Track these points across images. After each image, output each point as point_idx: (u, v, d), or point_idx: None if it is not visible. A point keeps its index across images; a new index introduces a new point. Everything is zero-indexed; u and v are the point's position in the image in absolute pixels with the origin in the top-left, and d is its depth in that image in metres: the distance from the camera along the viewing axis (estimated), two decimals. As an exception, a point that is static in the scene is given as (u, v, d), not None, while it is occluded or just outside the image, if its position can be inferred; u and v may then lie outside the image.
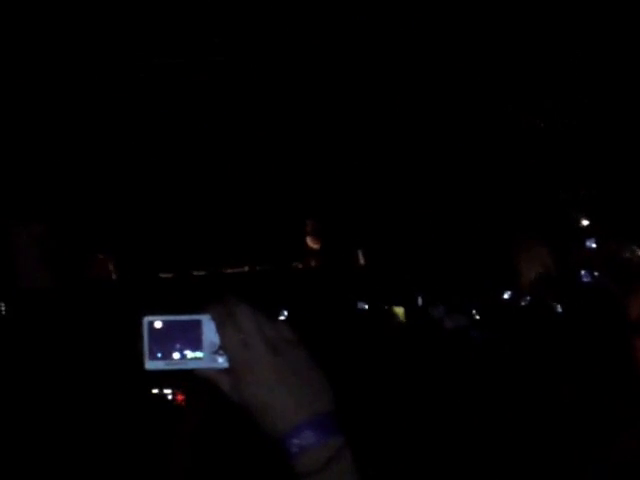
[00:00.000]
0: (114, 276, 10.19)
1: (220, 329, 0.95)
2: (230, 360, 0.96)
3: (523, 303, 7.64)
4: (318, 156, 10.41)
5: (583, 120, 8.74)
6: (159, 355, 0.98)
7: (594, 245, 9.39)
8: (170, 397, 3.96)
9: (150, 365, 0.98)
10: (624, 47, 8.30)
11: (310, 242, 11.10)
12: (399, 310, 7.75)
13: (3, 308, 8.04)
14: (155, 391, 4.03)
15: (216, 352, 0.97)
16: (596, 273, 8.77)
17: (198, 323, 0.97)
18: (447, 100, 9.52)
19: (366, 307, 7.79)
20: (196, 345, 0.97)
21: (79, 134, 9.49)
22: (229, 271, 10.14)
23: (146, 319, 0.99)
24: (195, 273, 10.01)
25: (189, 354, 0.98)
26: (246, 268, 10.28)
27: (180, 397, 3.76)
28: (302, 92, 9.40)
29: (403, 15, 8.60)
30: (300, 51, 9.02)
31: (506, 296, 8.15)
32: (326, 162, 10.62)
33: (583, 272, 8.69)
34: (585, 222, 9.70)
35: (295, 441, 0.92)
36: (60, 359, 4.99)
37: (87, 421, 3.30)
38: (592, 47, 8.63)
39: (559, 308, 7.08)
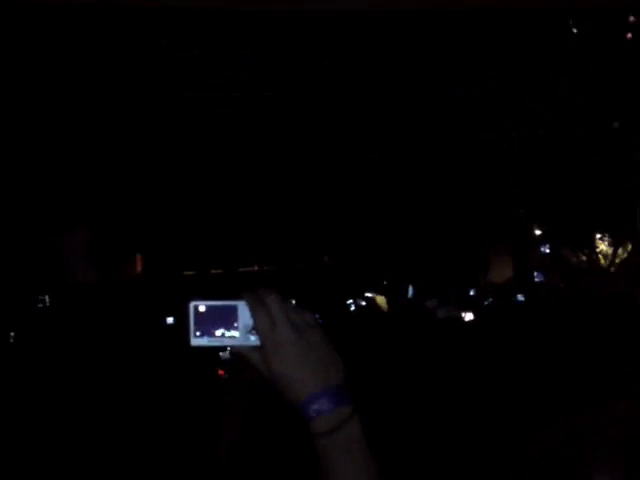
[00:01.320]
0: (143, 273, 10.66)
1: (253, 313, 1.08)
2: (260, 339, 1.08)
3: (486, 302, 8.07)
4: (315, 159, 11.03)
5: (535, 151, 9.49)
6: (202, 334, 1.11)
7: (547, 250, 9.79)
8: (213, 372, 4.06)
9: (195, 342, 1.11)
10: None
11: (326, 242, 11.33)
12: (380, 299, 8.07)
13: (48, 300, 8.59)
14: (200, 367, 4.08)
15: (249, 332, 1.09)
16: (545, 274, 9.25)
17: (235, 308, 1.10)
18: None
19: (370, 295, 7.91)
20: (232, 326, 1.10)
21: (118, 158, 10.24)
22: (241, 269, 10.72)
23: (192, 304, 1.11)
24: (213, 271, 10.67)
25: (227, 333, 1.11)
26: (255, 267, 10.91)
27: (221, 372, 4.02)
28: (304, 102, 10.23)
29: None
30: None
31: (471, 293, 8.62)
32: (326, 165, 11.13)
33: (536, 273, 9.27)
34: (538, 232, 10.17)
35: (313, 407, 1.05)
36: (108, 342, 5.47)
37: (136, 397, 3.35)
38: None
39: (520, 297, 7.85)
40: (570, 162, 9.18)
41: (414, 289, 8.89)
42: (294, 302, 1.16)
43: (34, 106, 9.57)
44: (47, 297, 8.63)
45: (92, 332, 6.01)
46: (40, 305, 8.61)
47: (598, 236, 9.56)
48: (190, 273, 10.64)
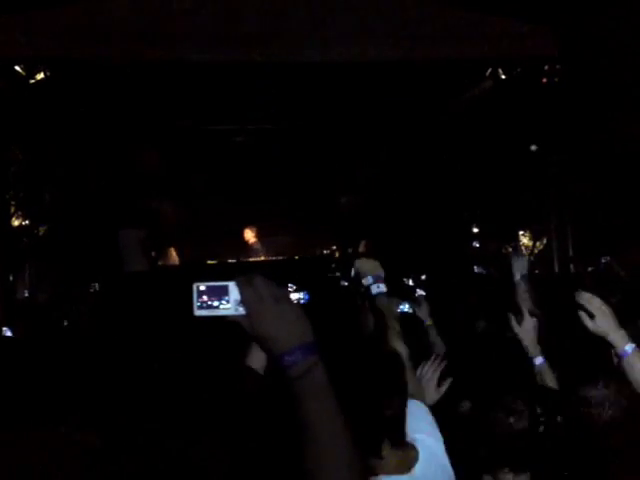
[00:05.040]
0: (179, 262, 11.54)
1: (242, 290, 1.32)
2: (247, 309, 1.31)
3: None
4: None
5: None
6: (203, 306, 1.37)
7: (477, 245, 11.03)
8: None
9: (197, 313, 1.35)
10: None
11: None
12: None
13: (97, 287, 9.18)
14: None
15: (239, 304, 1.33)
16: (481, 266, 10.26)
17: (227, 286, 1.36)
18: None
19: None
20: (226, 300, 1.35)
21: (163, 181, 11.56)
22: (251, 260, 11.66)
23: (195, 284, 1.37)
24: (230, 261, 11.61)
25: (221, 305, 1.35)
26: (262, 257, 11.79)
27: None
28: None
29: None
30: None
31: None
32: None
33: (475, 267, 10.27)
34: (475, 229, 11.47)
35: (288, 358, 1.28)
36: (156, 315, 5.88)
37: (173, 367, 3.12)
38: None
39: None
40: (499, 177, 10.37)
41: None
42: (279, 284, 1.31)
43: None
44: (96, 284, 9.22)
45: (146, 311, 6.46)
46: (91, 290, 9.12)
47: (521, 232, 10.62)
48: (211, 262, 11.48)
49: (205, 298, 1.37)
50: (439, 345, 4.43)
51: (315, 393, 1.28)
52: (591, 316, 2.50)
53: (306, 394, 1.28)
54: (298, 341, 1.31)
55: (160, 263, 11.20)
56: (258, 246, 11.98)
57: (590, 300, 2.52)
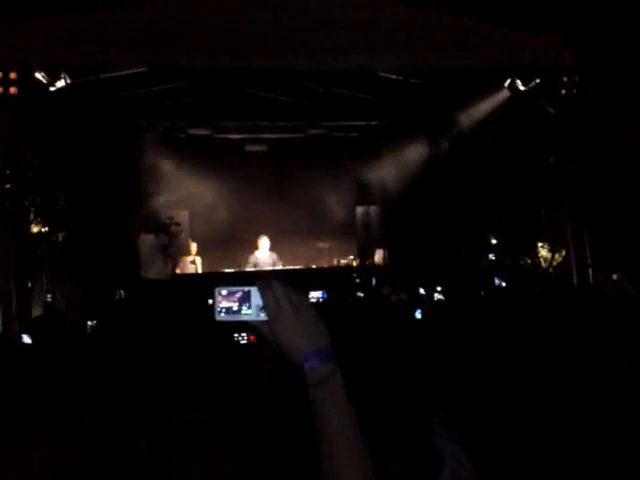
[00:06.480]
0: (199, 270, 11.64)
1: (262, 296, 1.32)
2: (267, 315, 1.30)
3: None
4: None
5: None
6: (224, 311, 1.36)
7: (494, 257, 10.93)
8: (245, 340, 4.35)
9: (219, 318, 1.35)
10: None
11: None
12: None
13: (123, 294, 9.39)
14: (235, 335, 4.34)
15: (260, 310, 1.33)
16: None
17: (249, 292, 1.35)
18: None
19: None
20: (247, 305, 1.35)
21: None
22: (269, 269, 11.51)
23: (217, 289, 1.38)
24: (248, 269, 11.51)
25: (243, 311, 1.35)
26: (279, 267, 11.66)
27: (252, 337, 4.27)
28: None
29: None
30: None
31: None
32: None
33: (496, 278, 10.12)
34: (494, 241, 11.35)
35: (307, 364, 1.29)
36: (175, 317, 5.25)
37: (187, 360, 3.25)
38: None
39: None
40: (519, 189, 10.24)
41: (376, 281, 9.76)
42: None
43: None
44: (122, 291, 9.45)
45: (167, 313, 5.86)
46: (117, 297, 9.31)
47: (540, 244, 10.45)
48: (230, 270, 11.58)
49: (227, 303, 1.36)
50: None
51: (332, 401, 1.28)
52: None
53: (323, 401, 1.28)
54: (315, 347, 1.31)
55: (178, 271, 11.28)
56: (257, 259, 11.84)
57: None
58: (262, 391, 2.33)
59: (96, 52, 7.21)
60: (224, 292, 1.37)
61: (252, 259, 11.69)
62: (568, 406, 2.55)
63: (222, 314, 1.37)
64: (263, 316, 1.33)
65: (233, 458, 2.22)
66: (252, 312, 1.35)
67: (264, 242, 11.75)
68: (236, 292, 1.36)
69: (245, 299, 1.36)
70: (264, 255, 11.79)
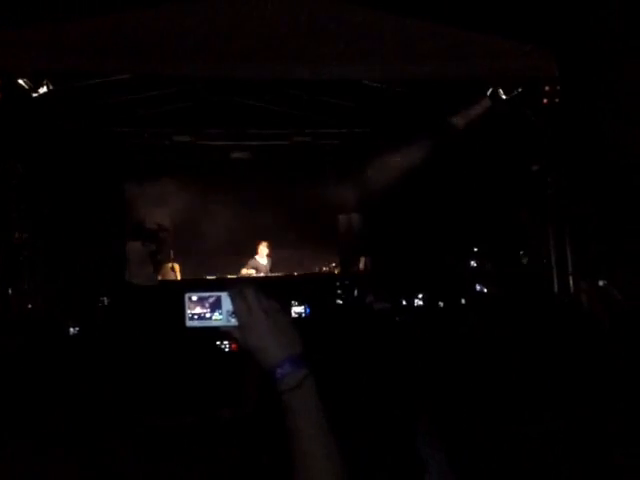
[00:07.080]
0: (179, 276, 11.71)
1: (234, 301, 1.32)
2: (238, 320, 1.31)
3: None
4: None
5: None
6: (195, 317, 1.36)
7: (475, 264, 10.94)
8: (228, 348, 4.23)
9: (189, 324, 1.34)
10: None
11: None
12: None
13: (106, 301, 9.29)
14: (217, 343, 4.19)
15: (230, 315, 1.33)
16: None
17: (219, 297, 1.35)
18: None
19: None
20: (219, 311, 1.35)
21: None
22: (250, 276, 11.49)
23: (187, 295, 1.36)
24: (229, 277, 11.46)
25: (213, 316, 1.35)
26: (261, 274, 11.72)
27: (235, 346, 4.13)
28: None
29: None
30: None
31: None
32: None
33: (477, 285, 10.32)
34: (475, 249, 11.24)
35: (279, 370, 1.28)
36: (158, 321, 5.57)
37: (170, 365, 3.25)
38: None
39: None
40: (501, 197, 10.30)
41: (358, 290, 9.86)
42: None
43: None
44: (106, 299, 9.35)
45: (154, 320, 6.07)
46: (100, 305, 9.23)
47: (521, 252, 10.44)
48: (211, 277, 11.55)
49: (197, 309, 1.36)
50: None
51: (305, 406, 1.27)
52: None
53: (296, 407, 1.27)
54: (287, 353, 1.31)
55: (160, 278, 11.35)
56: (258, 263, 12.02)
57: None
58: (251, 398, 2.36)
59: (81, 60, 7.22)
60: (194, 298, 1.37)
61: (253, 263, 11.98)
62: (552, 412, 2.54)
63: (193, 320, 1.37)
64: (234, 321, 1.33)
65: (203, 465, 2.22)
66: (223, 317, 1.35)
67: (263, 248, 12.03)
68: (207, 298, 1.36)
69: (215, 305, 1.36)
70: (263, 260, 12.11)
